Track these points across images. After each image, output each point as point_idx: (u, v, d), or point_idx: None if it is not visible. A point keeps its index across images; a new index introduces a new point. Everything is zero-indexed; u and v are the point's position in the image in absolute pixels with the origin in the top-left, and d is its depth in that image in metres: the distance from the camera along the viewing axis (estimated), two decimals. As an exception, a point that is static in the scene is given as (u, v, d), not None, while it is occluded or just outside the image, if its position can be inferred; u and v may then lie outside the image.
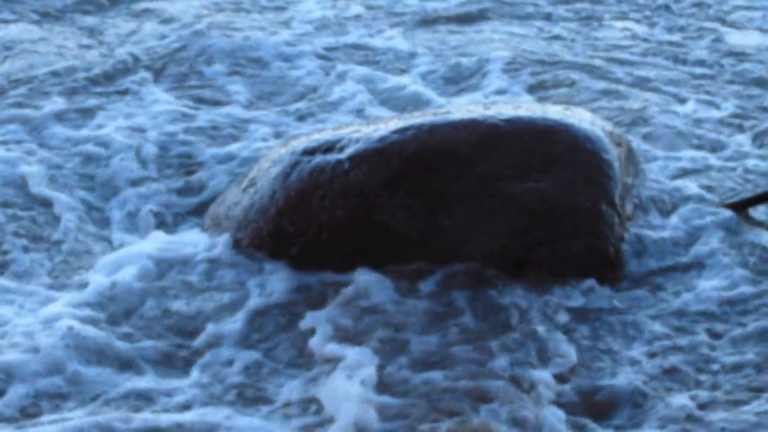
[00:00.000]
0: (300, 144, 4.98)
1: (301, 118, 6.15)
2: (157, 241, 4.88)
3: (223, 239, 4.80)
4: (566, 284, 4.55)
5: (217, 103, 6.28)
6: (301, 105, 6.29)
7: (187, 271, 4.70)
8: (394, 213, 4.68)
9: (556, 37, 7.27)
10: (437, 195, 4.70)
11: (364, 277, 4.54)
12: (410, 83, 6.50)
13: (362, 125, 5.09)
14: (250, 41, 7.05)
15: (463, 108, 5.21)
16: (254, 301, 4.51)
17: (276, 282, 4.61)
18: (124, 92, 6.41)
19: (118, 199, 5.33)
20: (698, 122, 6.02)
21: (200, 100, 6.31)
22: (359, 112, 6.17)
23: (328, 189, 4.74)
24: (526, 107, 5.13)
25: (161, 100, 6.29)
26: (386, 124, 4.95)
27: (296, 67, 6.77)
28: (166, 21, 7.41)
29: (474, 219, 4.66)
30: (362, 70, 6.66)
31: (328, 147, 4.87)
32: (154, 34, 7.19)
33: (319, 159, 4.83)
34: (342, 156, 4.80)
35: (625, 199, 4.90)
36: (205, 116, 6.09)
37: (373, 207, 4.70)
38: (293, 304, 4.51)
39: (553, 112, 5.05)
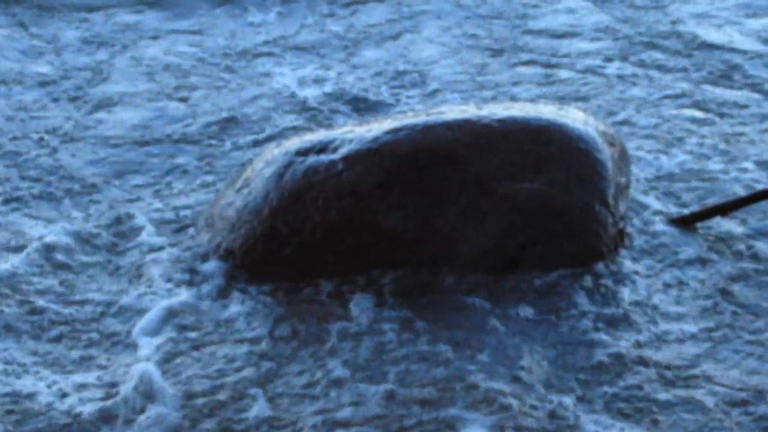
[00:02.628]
0: (293, 144, 4.98)
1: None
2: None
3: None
4: (560, 283, 4.55)
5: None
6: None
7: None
8: (387, 213, 4.68)
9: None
10: (430, 195, 4.70)
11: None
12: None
13: (355, 125, 5.09)
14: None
15: (456, 108, 5.21)
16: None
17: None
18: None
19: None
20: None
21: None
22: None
23: (322, 189, 4.74)
24: (519, 107, 5.13)
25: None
26: (379, 124, 4.96)
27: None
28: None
29: (467, 219, 4.66)
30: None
31: (322, 147, 4.87)
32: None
33: (312, 159, 4.83)
34: (335, 156, 4.80)
35: (618, 198, 4.91)
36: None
37: (367, 207, 4.70)
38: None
39: (547, 112, 5.05)
